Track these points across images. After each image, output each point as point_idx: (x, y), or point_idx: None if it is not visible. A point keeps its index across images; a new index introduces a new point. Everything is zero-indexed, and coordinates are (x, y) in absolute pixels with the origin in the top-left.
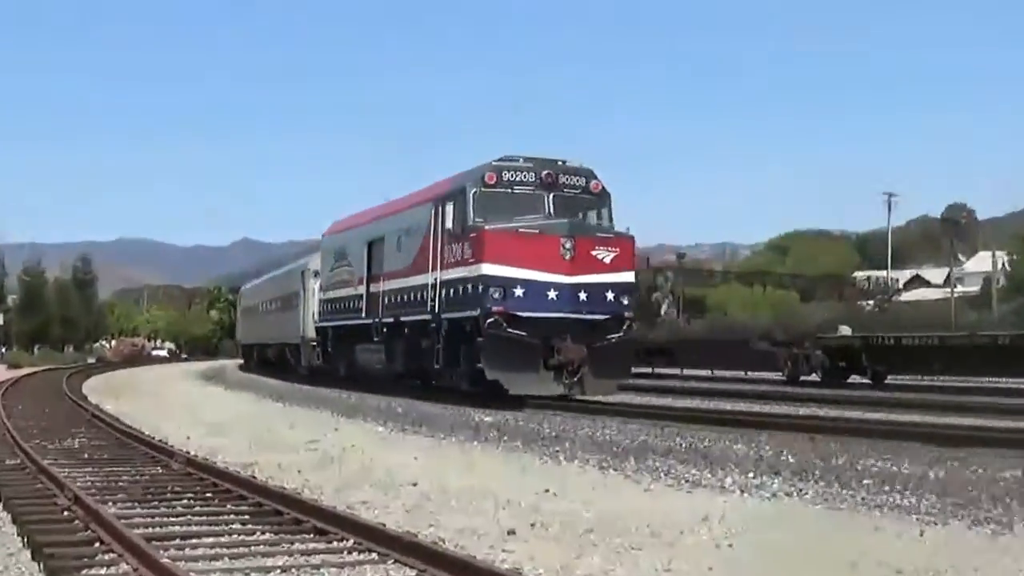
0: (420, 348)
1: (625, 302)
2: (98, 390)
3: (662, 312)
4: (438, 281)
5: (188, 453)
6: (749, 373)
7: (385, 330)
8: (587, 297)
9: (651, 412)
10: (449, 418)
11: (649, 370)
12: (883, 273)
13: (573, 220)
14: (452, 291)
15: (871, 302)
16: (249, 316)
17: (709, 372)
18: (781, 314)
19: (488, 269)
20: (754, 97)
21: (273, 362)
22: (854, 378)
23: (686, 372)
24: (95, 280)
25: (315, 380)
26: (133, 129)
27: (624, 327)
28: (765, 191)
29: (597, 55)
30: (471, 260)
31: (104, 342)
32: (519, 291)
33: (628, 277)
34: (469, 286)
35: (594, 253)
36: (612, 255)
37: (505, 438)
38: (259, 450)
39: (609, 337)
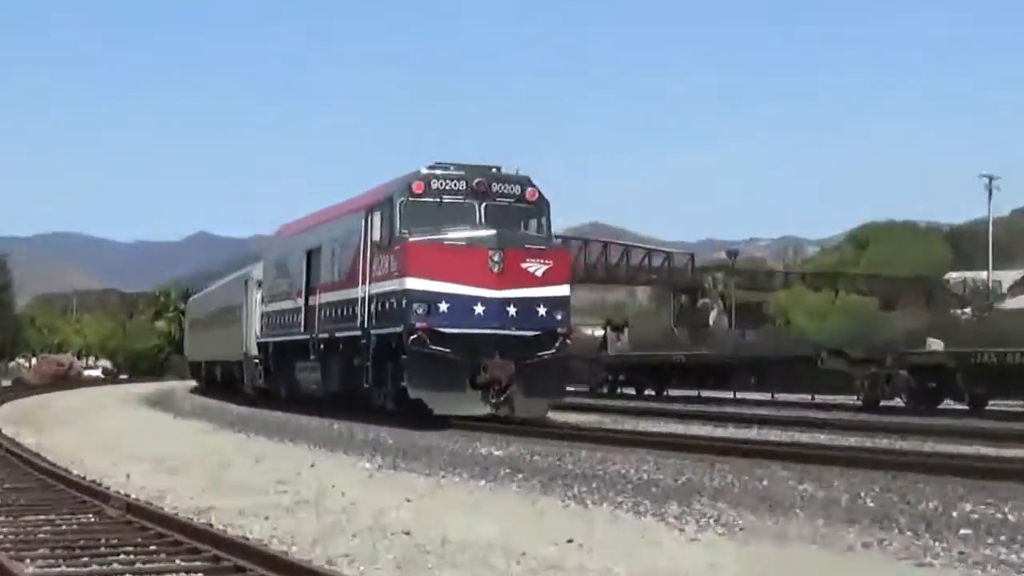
0: (352, 366)
1: (558, 317)
2: (14, 420)
3: (710, 322)
4: (367, 295)
5: (127, 496)
6: (817, 397)
7: (322, 347)
8: (516, 312)
9: (697, 444)
10: (450, 451)
11: (695, 393)
12: (983, 274)
13: (502, 231)
14: (380, 306)
15: (967, 310)
16: (196, 329)
17: (768, 396)
18: (857, 325)
19: (412, 283)
20: (823, 60)
21: (220, 382)
22: (947, 403)
23: (739, 396)
24: (11, 284)
25: (287, 405)
26: (65, 101)
27: (557, 343)
28: (835, 175)
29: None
30: (396, 274)
31: (22, 360)
32: (444, 306)
33: (562, 291)
34: (394, 301)
35: (524, 266)
36: (544, 268)
37: (520, 476)
38: (216, 492)
39: (540, 354)
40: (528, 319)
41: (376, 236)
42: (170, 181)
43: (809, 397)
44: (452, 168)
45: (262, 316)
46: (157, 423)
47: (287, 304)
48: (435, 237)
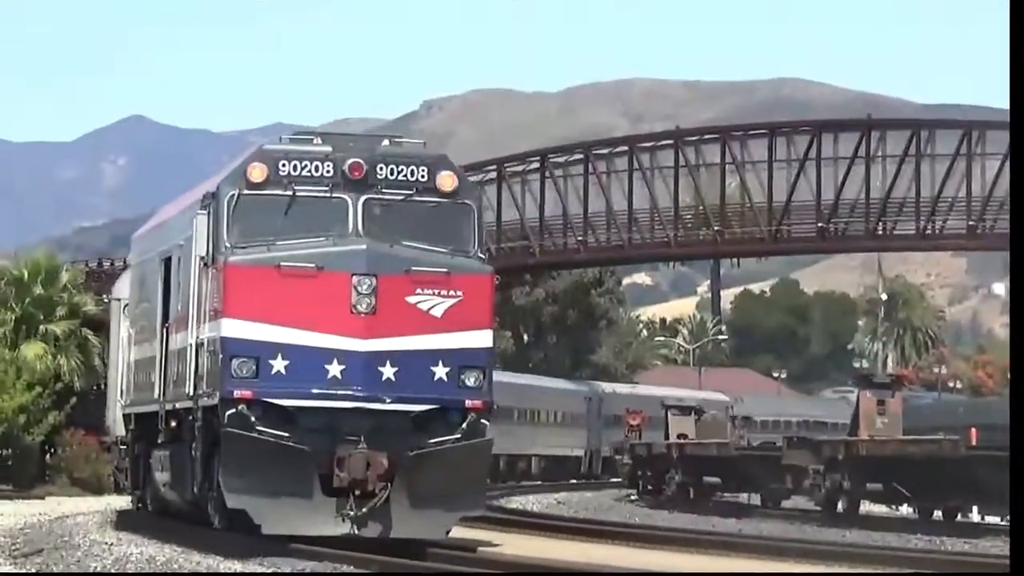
0: (187, 457)
1: (470, 382)
2: None
3: None
4: (195, 343)
5: None
6: None
7: (172, 424)
8: (396, 374)
9: None
10: None
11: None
12: None
13: (375, 246)
14: (204, 361)
15: None
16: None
17: None
18: None
19: (230, 328)
20: None
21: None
22: None
23: None
24: None
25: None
26: None
27: (464, 423)
28: None
29: None
30: (214, 312)
31: None
32: (280, 364)
33: (476, 339)
34: (213, 355)
35: (413, 300)
36: (449, 303)
37: None
38: None
39: (435, 440)
40: (415, 385)
41: (202, 250)
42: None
43: None
44: (316, 141)
45: (128, 366)
46: None
47: (147, 348)
48: (269, 255)
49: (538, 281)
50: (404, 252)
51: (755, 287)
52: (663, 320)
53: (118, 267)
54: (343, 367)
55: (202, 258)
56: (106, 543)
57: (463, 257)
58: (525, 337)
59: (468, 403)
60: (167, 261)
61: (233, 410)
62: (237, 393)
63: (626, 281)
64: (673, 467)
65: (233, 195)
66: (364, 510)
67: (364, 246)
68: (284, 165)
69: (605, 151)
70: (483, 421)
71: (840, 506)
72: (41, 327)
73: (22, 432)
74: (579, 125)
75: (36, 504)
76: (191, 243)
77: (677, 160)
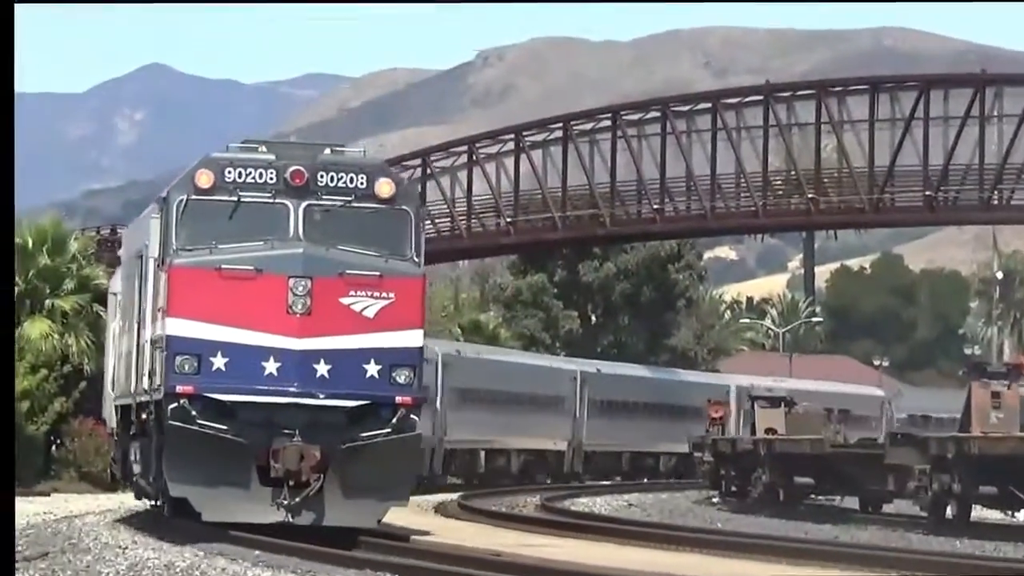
0: (151, 448)
1: (400, 379)
2: None
3: None
4: (150, 340)
5: None
6: None
7: (142, 416)
8: (330, 371)
9: None
10: None
11: None
12: None
13: (311, 249)
14: (153, 358)
15: None
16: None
17: None
18: None
19: (174, 327)
20: None
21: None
22: None
23: None
24: None
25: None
26: None
27: (395, 418)
28: None
29: None
30: (161, 311)
31: None
32: (220, 361)
33: (407, 339)
34: (159, 351)
35: (346, 301)
36: (381, 305)
37: None
38: None
39: (367, 434)
40: (348, 382)
41: (155, 252)
42: None
43: None
44: (261, 150)
45: (117, 359)
46: None
47: (128, 343)
48: (211, 259)
49: (608, 255)
50: (339, 256)
51: (853, 263)
52: (749, 300)
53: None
54: (279, 364)
55: (155, 259)
56: (119, 546)
57: (398, 260)
58: (593, 318)
59: (398, 399)
60: (142, 258)
61: (176, 404)
62: (179, 388)
63: (708, 255)
64: (760, 466)
65: (182, 200)
66: (298, 499)
67: (300, 250)
68: (230, 172)
69: (685, 108)
70: (412, 416)
71: (949, 511)
72: (47, 302)
73: (25, 421)
74: (655, 79)
75: (40, 502)
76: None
77: (767, 119)
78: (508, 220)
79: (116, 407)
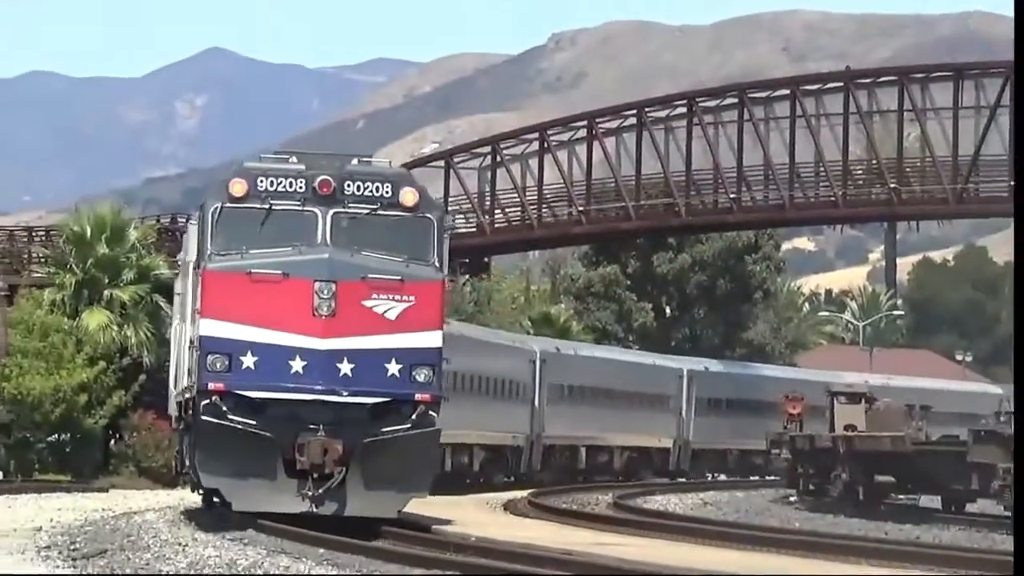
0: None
1: (420, 378)
2: None
3: None
4: (190, 340)
5: None
6: None
7: (188, 411)
8: (353, 370)
9: None
10: None
11: None
12: None
13: (336, 255)
14: (191, 356)
15: None
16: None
17: None
18: None
19: (207, 328)
20: None
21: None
22: None
23: None
24: None
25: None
26: None
27: (415, 414)
28: None
29: None
30: (197, 313)
31: None
32: (250, 360)
33: (426, 340)
34: (195, 351)
35: (369, 304)
36: (402, 307)
37: None
38: None
39: (387, 430)
40: (370, 380)
41: (192, 256)
42: None
43: None
44: (292, 160)
45: (177, 354)
46: None
47: (184, 338)
48: (241, 263)
49: (684, 245)
50: (362, 260)
51: (936, 255)
52: (828, 292)
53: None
54: (305, 363)
55: (192, 263)
56: (179, 544)
57: (420, 265)
58: (667, 310)
59: (418, 396)
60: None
61: (208, 401)
62: (211, 385)
63: (786, 246)
64: (839, 464)
65: (217, 208)
66: (321, 491)
67: (326, 255)
68: (262, 181)
69: (763, 95)
70: (431, 412)
71: None
72: (106, 292)
73: (83, 414)
74: (732, 64)
75: (99, 498)
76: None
77: (847, 106)
78: (580, 209)
79: (177, 403)
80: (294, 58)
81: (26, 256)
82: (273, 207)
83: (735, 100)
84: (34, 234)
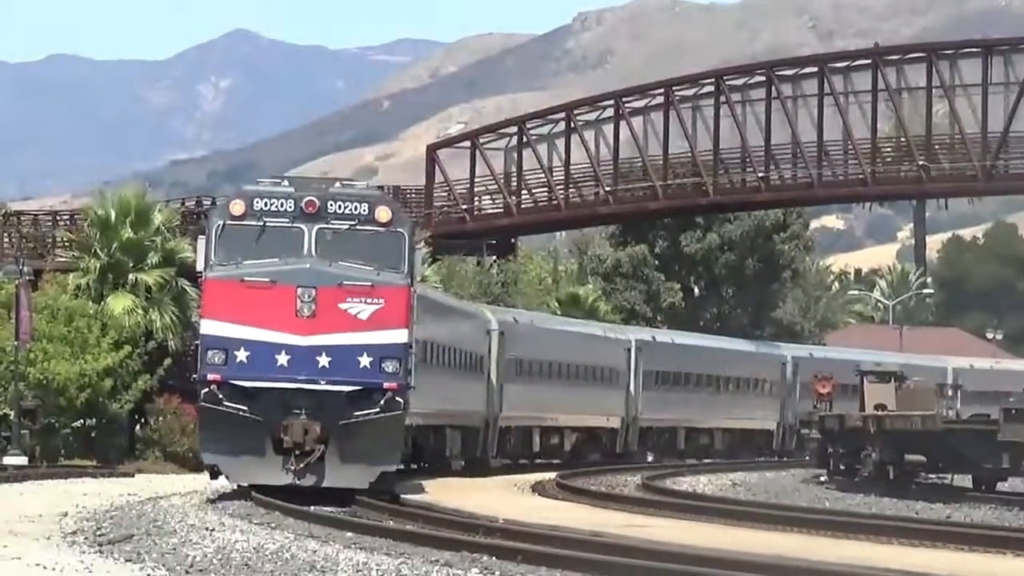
0: None
1: (388, 369)
2: None
3: None
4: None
5: None
6: None
7: None
8: (330, 362)
9: None
10: None
11: None
12: None
13: (315, 265)
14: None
15: None
16: None
17: None
18: None
19: (208, 327)
20: None
21: None
22: None
23: None
24: None
25: None
26: None
27: (383, 400)
28: None
29: None
30: (201, 314)
31: None
32: (243, 355)
33: (394, 336)
34: (198, 347)
35: (344, 307)
36: (373, 309)
37: None
38: None
39: (359, 413)
40: (345, 371)
41: (200, 265)
42: None
43: None
44: (284, 184)
45: None
46: None
47: None
48: (236, 272)
49: (712, 225)
50: (339, 269)
51: (965, 233)
52: (858, 271)
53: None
54: (289, 357)
55: (199, 272)
56: (206, 528)
57: (389, 273)
58: (696, 290)
59: (386, 385)
60: None
61: (207, 389)
62: (210, 376)
63: (814, 225)
64: (869, 443)
65: (219, 224)
66: (303, 465)
67: (307, 265)
68: (257, 201)
69: (791, 72)
70: (398, 399)
71: None
72: (130, 276)
73: (108, 399)
74: (760, 42)
75: (125, 482)
76: None
77: (875, 83)
78: (607, 189)
79: None
80: (318, 39)
81: (50, 241)
82: (266, 224)
83: (763, 78)
84: (58, 218)
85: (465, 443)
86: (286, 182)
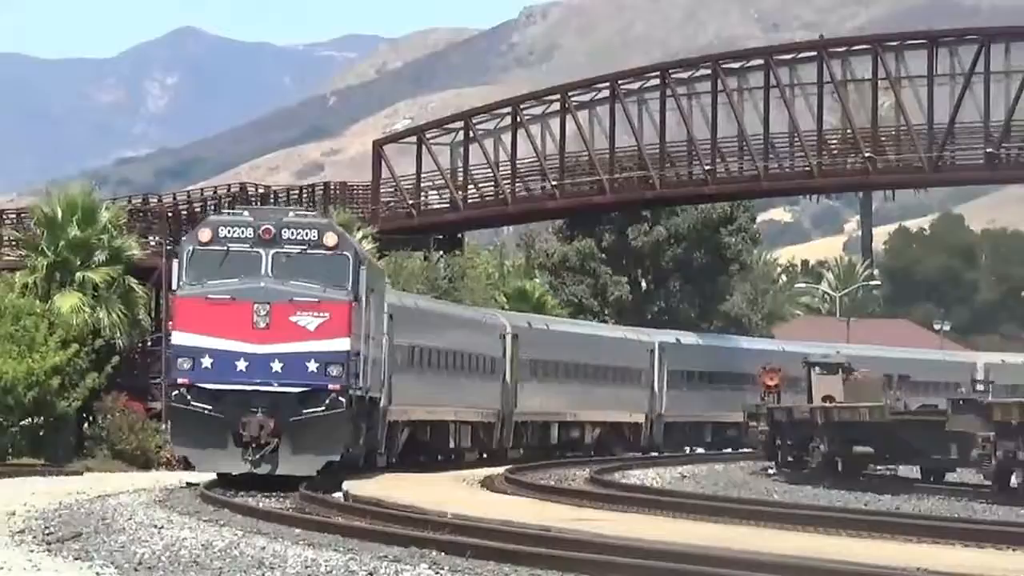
0: None
1: (333, 373)
2: None
3: None
4: None
5: None
6: None
7: None
8: (282, 368)
9: None
10: None
11: None
12: None
13: (268, 283)
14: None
15: None
16: None
17: None
18: None
19: (177, 338)
20: None
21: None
22: None
23: None
24: None
25: None
26: None
27: (328, 400)
28: None
29: None
30: (172, 326)
31: None
32: (207, 361)
33: (338, 345)
34: (170, 355)
35: (294, 319)
36: (319, 321)
37: None
38: None
39: (308, 411)
40: (295, 375)
41: (174, 284)
42: None
43: None
44: (245, 214)
45: None
46: None
47: None
48: (202, 290)
49: (658, 218)
50: (290, 287)
51: (912, 224)
52: (805, 263)
53: (166, 204)
54: (247, 363)
55: (172, 290)
56: (154, 526)
57: (335, 290)
58: (643, 284)
59: (330, 387)
60: None
61: (177, 391)
62: (179, 380)
63: (761, 218)
64: (817, 435)
65: (189, 249)
66: (259, 456)
67: (262, 284)
68: (222, 229)
69: (736, 65)
70: (340, 399)
71: (1014, 480)
72: (77, 275)
73: (56, 397)
74: (705, 35)
75: (73, 481)
76: None
77: (821, 76)
78: (554, 184)
79: None
80: (264, 36)
81: None
82: (229, 249)
83: (708, 71)
84: (4, 217)
85: (481, 436)
86: (246, 212)
